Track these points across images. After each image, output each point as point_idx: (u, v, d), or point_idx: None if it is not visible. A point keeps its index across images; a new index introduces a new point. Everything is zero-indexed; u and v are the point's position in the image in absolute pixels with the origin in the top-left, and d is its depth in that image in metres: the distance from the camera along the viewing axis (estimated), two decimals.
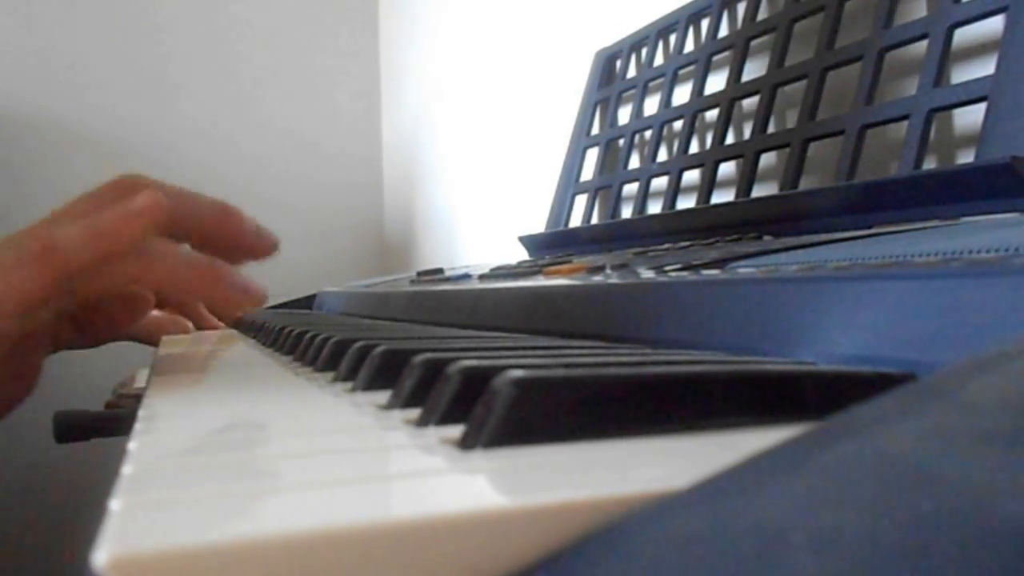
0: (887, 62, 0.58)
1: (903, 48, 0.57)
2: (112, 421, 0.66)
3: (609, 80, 0.96)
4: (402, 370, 0.25)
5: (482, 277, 0.69)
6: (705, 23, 0.82)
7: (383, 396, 0.26)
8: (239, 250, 0.40)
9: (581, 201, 0.94)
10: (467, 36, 1.44)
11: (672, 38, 0.86)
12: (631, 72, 0.92)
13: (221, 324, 0.67)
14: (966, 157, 0.55)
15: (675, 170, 0.77)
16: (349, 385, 0.30)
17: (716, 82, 0.76)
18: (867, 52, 0.58)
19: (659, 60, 0.88)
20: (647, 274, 0.42)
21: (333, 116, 1.85)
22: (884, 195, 0.51)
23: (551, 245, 0.91)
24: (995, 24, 0.51)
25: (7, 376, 0.41)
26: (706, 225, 0.66)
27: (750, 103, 0.72)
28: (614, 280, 0.43)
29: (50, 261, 0.34)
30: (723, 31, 0.78)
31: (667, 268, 0.42)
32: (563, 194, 0.96)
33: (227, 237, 0.39)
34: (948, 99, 0.51)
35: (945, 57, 0.53)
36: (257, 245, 0.40)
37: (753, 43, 0.72)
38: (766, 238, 0.55)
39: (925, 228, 0.39)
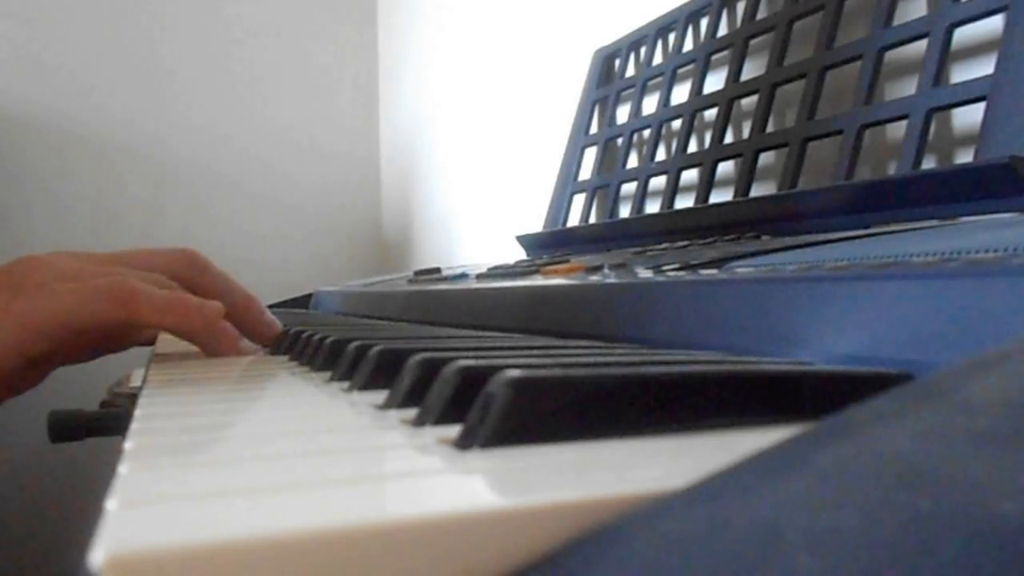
0: (887, 62, 0.58)
1: (903, 48, 0.57)
2: (107, 420, 0.66)
3: (608, 79, 0.95)
4: (399, 370, 0.25)
5: (480, 277, 0.68)
6: (704, 22, 0.81)
7: (380, 396, 0.26)
8: (249, 332, 0.52)
9: (579, 200, 0.93)
10: (466, 35, 1.44)
11: (671, 37, 0.86)
12: (630, 71, 0.92)
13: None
14: (965, 157, 0.55)
15: (673, 169, 0.77)
16: (346, 384, 0.30)
17: (715, 81, 0.76)
18: (867, 51, 0.58)
19: (658, 59, 0.87)
20: (645, 274, 0.42)
21: (331, 115, 1.84)
22: (883, 195, 0.51)
23: (549, 245, 0.91)
24: (995, 24, 0.51)
25: (30, 367, 0.46)
26: (704, 225, 0.66)
27: (749, 102, 0.72)
28: (612, 280, 0.42)
29: (128, 307, 0.42)
30: (722, 30, 0.78)
31: (665, 268, 0.42)
32: (561, 193, 0.96)
33: (247, 320, 0.51)
34: (948, 99, 0.51)
35: (945, 57, 0.53)
36: (264, 334, 0.51)
37: (752, 42, 0.72)
38: (764, 238, 0.55)
39: (924, 228, 0.39)
